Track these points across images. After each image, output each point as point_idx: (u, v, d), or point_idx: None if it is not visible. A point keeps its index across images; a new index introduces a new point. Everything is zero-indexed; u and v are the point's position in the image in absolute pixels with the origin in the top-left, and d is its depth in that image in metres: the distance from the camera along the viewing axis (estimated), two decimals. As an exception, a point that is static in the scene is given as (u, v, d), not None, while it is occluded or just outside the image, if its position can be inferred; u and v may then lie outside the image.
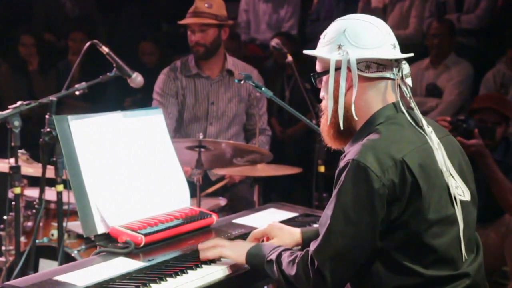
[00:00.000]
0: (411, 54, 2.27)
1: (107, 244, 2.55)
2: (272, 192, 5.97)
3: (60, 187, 3.28)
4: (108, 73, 3.52)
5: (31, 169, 3.95)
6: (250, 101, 4.60)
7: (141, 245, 2.53)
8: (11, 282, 2.25)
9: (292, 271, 2.23)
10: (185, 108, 4.52)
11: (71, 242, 3.86)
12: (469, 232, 2.22)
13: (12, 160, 3.37)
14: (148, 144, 2.83)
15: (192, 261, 2.48)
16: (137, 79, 3.54)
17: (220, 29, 4.43)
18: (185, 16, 4.44)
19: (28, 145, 3.94)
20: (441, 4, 6.71)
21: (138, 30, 7.83)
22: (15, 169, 3.34)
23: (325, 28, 2.31)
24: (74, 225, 3.77)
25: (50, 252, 3.74)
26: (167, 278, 2.31)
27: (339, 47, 2.22)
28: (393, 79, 2.24)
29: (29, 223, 4.01)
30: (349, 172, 2.10)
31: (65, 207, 3.33)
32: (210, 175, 4.53)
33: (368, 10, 6.60)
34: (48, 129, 3.16)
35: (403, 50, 2.27)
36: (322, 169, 4.02)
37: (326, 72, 2.25)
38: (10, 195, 3.66)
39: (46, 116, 3.22)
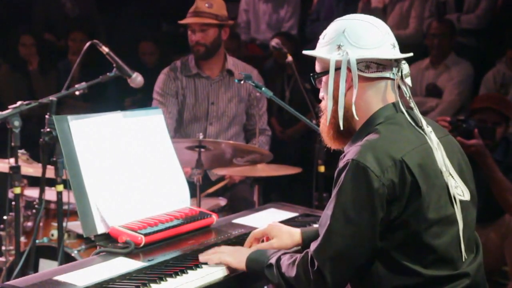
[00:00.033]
0: (411, 54, 2.27)
1: (107, 244, 2.55)
2: (272, 192, 5.97)
3: (60, 187, 3.29)
4: (108, 73, 3.52)
5: (31, 169, 3.95)
6: (250, 101, 4.60)
7: (141, 245, 2.53)
8: (11, 282, 2.25)
9: (292, 273, 2.23)
10: (185, 108, 4.52)
11: (71, 242, 3.86)
12: (468, 232, 2.22)
13: (12, 160, 3.37)
14: (148, 144, 2.83)
15: (192, 261, 2.48)
16: (137, 79, 3.54)
17: (220, 29, 4.43)
18: (185, 16, 4.45)
19: (28, 145, 3.94)
20: (441, 4, 6.72)
21: (138, 30, 7.83)
22: (15, 169, 3.34)
23: (325, 28, 2.31)
24: (74, 225, 3.77)
25: (50, 252, 3.74)
26: (167, 278, 2.31)
27: (339, 47, 2.22)
28: (393, 79, 2.24)
29: (29, 223, 4.01)
30: (349, 172, 2.10)
31: (65, 207, 3.33)
32: (210, 175, 4.53)
33: (368, 10, 6.60)
34: (48, 129, 3.17)
35: (403, 50, 2.27)
36: (322, 169, 4.02)
37: (325, 72, 2.25)
38: (10, 195, 3.66)
39: (46, 116, 3.22)
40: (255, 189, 4.30)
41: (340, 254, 2.13)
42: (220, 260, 2.43)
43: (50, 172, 3.32)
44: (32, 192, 4.08)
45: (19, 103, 3.27)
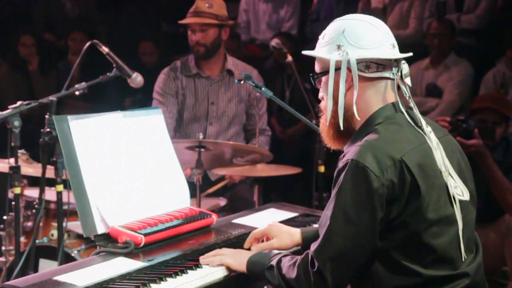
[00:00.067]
0: (410, 54, 2.27)
1: (107, 244, 2.55)
2: (272, 192, 5.97)
3: (60, 187, 3.29)
4: (108, 73, 3.53)
5: (31, 169, 3.95)
6: (250, 101, 4.61)
7: (141, 245, 2.53)
8: (11, 282, 2.25)
9: (293, 274, 2.23)
10: (185, 108, 4.52)
11: (71, 242, 3.86)
12: (468, 232, 2.22)
13: (12, 160, 3.37)
14: (148, 144, 2.83)
15: (192, 261, 2.48)
16: (137, 79, 3.55)
17: (220, 29, 4.43)
18: (185, 16, 4.45)
19: (28, 145, 3.95)
20: (441, 4, 6.72)
21: (138, 30, 7.83)
22: (15, 169, 3.34)
23: (325, 28, 2.31)
24: (74, 225, 3.77)
25: (50, 252, 3.74)
26: (167, 278, 2.31)
27: (339, 47, 2.22)
28: (393, 79, 2.24)
29: (29, 223, 4.01)
30: (348, 172, 2.11)
31: (65, 207, 3.33)
32: (210, 175, 4.53)
33: (368, 10, 6.61)
34: (48, 129, 3.17)
35: (402, 50, 2.27)
36: (322, 169, 4.02)
37: (325, 72, 2.25)
38: (10, 195, 3.66)
39: (46, 116, 3.22)
40: (255, 189, 4.30)
41: (340, 254, 2.13)
42: (221, 262, 2.43)
43: (50, 172, 3.32)
44: (32, 192, 4.08)
45: (19, 103, 3.27)
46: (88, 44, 3.52)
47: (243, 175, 4.39)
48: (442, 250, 2.13)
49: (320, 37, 2.30)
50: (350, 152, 2.16)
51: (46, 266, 3.73)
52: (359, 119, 2.23)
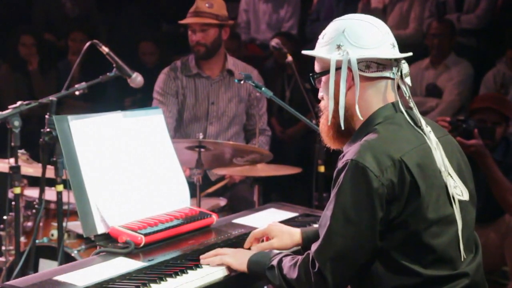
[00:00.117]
0: (410, 54, 2.27)
1: (107, 244, 2.55)
2: (272, 192, 5.97)
3: (60, 187, 3.29)
4: (108, 73, 3.52)
5: (31, 169, 3.95)
6: (250, 101, 4.61)
7: (141, 245, 2.53)
8: (11, 282, 2.25)
9: (293, 274, 2.23)
10: (185, 108, 4.52)
11: (71, 242, 3.86)
12: (468, 231, 2.22)
13: (12, 160, 3.37)
14: (148, 144, 2.83)
15: (192, 261, 2.48)
16: (137, 79, 3.55)
17: (220, 29, 4.43)
18: (185, 16, 4.45)
19: (28, 145, 3.94)
20: (441, 4, 6.72)
21: (138, 30, 7.83)
22: (15, 169, 3.34)
23: (325, 28, 2.31)
24: (74, 225, 3.77)
25: (50, 252, 3.74)
26: (167, 278, 2.31)
27: (339, 47, 2.22)
28: (393, 79, 2.24)
29: (29, 223, 4.01)
30: (348, 172, 2.11)
31: (65, 207, 3.33)
32: (210, 175, 4.53)
33: (368, 10, 6.61)
34: (48, 129, 3.17)
35: (402, 50, 2.27)
36: (322, 169, 4.02)
37: (325, 72, 2.25)
38: (10, 195, 3.66)
39: (46, 116, 3.22)
40: (255, 189, 4.30)
41: (341, 254, 2.13)
42: (221, 262, 2.43)
43: (50, 172, 3.32)
44: (32, 192, 4.08)
45: (19, 103, 3.27)
46: (88, 44, 3.52)
47: (243, 175, 4.39)
48: (442, 250, 2.13)
49: (320, 37, 2.30)
50: (349, 152, 2.16)
51: (46, 266, 3.74)
52: (361, 118, 2.23)
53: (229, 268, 2.42)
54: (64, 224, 3.33)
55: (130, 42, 7.31)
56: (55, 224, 3.80)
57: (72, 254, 3.74)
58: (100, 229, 2.56)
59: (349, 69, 2.20)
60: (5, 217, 3.95)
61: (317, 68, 2.30)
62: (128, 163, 2.72)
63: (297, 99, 5.92)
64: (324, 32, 2.29)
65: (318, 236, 2.19)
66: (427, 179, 2.13)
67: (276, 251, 2.42)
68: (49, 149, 3.22)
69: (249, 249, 2.55)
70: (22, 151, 3.98)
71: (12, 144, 3.28)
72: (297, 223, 2.98)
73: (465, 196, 2.23)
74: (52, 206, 3.94)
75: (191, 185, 3.07)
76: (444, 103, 5.93)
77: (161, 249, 2.57)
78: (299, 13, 7.61)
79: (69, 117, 2.60)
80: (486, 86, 5.82)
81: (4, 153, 3.45)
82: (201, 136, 3.75)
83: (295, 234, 2.56)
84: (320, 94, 2.33)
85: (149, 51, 7.21)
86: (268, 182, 5.03)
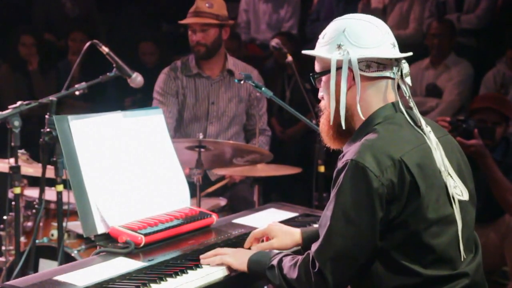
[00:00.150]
0: (410, 53, 2.27)
1: (107, 244, 2.55)
2: (272, 192, 5.97)
3: (60, 187, 3.29)
4: (108, 73, 3.52)
5: (31, 169, 3.95)
6: (250, 101, 4.61)
7: (141, 245, 2.53)
8: (11, 282, 2.25)
9: (294, 274, 2.23)
10: (185, 108, 4.52)
11: (71, 242, 3.86)
12: (467, 231, 2.22)
13: (12, 160, 3.37)
14: (148, 144, 2.83)
15: (192, 261, 2.48)
16: (137, 79, 3.55)
17: (221, 29, 4.43)
18: (185, 16, 4.45)
19: (28, 145, 3.94)
20: (441, 4, 6.72)
21: (138, 30, 7.83)
22: (15, 169, 3.34)
23: (325, 28, 2.31)
24: (74, 225, 3.77)
25: (50, 252, 3.74)
26: (167, 278, 2.31)
27: (339, 46, 2.22)
28: (393, 78, 2.24)
29: (29, 223, 4.01)
30: (348, 172, 2.11)
31: (65, 207, 3.33)
32: (210, 175, 4.53)
33: (368, 10, 6.61)
34: (48, 129, 3.17)
35: (402, 50, 2.27)
36: (322, 169, 4.02)
37: (326, 72, 2.25)
38: (10, 195, 3.66)
39: (46, 116, 3.22)
40: (255, 189, 4.30)
41: (341, 254, 2.13)
42: (221, 261, 2.43)
43: (50, 172, 3.32)
44: (32, 192, 4.08)
45: (19, 103, 3.27)
46: (88, 44, 3.52)
47: (243, 175, 4.39)
48: (442, 250, 2.13)
49: (320, 36, 2.30)
50: (349, 152, 2.16)
51: (46, 266, 3.74)
52: (363, 118, 2.23)
53: (229, 268, 2.42)
54: (64, 224, 3.33)
55: (130, 42, 7.31)
56: (55, 224, 3.80)
57: (72, 254, 3.74)
58: (100, 229, 2.56)
59: (350, 69, 2.20)
60: (5, 217, 3.95)
61: (317, 68, 2.30)
62: (128, 163, 2.72)
63: (297, 99, 5.92)
64: (324, 32, 2.29)
65: (318, 236, 2.19)
66: (427, 179, 2.13)
67: (276, 251, 2.42)
68: (49, 149, 3.22)
69: (249, 249, 2.55)
70: (22, 151, 3.98)
71: (12, 144, 3.28)
72: (297, 223, 2.98)
73: (465, 196, 2.23)
74: (52, 206, 3.94)
75: (191, 185, 3.07)
76: (444, 103, 5.93)
77: (161, 249, 2.57)
78: (299, 13, 7.61)
79: (69, 117, 2.60)
80: (486, 86, 5.82)
81: (4, 153, 3.45)
82: (201, 136, 3.75)
83: (295, 234, 2.56)
84: (320, 94, 2.33)
85: (149, 51, 7.21)
86: (268, 182, 5.03)
